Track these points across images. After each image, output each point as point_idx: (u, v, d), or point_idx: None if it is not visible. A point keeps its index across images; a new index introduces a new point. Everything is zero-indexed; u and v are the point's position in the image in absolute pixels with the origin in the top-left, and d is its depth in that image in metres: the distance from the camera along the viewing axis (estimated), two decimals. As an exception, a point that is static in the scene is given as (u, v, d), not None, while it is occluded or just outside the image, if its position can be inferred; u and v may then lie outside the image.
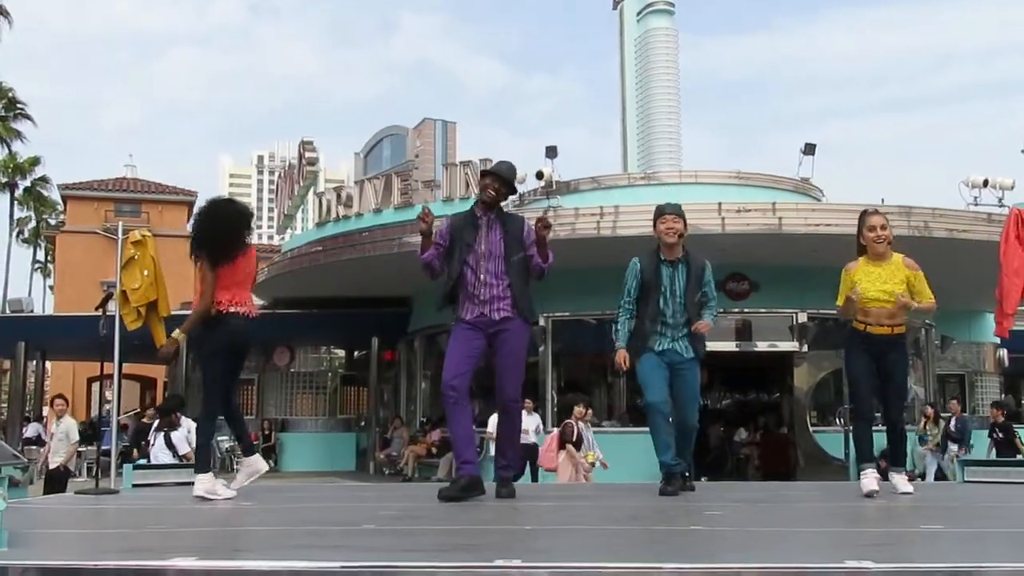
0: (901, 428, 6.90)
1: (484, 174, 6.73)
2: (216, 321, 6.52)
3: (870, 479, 6.54)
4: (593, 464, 12.63)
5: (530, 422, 16.49)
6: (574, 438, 12.65)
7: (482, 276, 6.40)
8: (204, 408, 6.80)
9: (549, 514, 5.78)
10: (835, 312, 6.96)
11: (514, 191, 6.94)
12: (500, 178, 6.65)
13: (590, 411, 13.70)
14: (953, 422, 18.45)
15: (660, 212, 6.93)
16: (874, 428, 6.84)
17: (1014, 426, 18.51)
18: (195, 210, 7.01)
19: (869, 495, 6.41)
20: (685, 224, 6.90)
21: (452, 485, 6.30)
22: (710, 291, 6.92)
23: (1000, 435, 17.63)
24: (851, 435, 6.87)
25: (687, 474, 7.00)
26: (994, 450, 17.33)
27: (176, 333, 6.60)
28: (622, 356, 6.79)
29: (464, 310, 6.43)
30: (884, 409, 6.88)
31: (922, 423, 19.08)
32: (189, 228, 7.03)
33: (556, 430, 14.13)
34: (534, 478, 15.88)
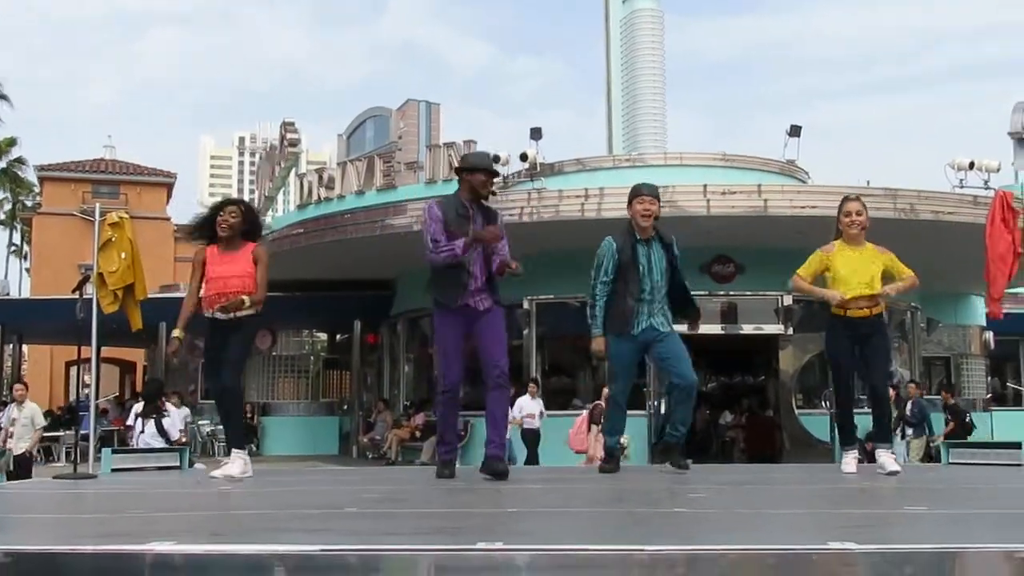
0: (886, 405, 7.05)
1: (478, 171, 6.69)
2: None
3: (851, 463, 6.71)
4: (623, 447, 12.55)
5: (534, 407, 16.48)
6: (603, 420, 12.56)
7: (470, 268, 6.53)
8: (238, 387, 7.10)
9: (534, 496, 5.80)
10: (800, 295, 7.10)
11: (493, 174, 7.01)
12: (493, 172, 6.82)
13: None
14: (909, 406, 17.65)
15: (636, 193, 6.99)
16: (857, 411, 6.95)
17: (962, 409, 18.37)
18: (242, 204, 7.11)
19: (849, 474, 6.57)
20: (659, 206, 6.98)
21: (446, 467, 6.65)
22: (678, 265, 7.02)
23: (950, 417, 17.56)
24: (838, 419, 7.02)
25: (682, 446, 7.10)
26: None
27: (179, 332, 6.86)
28: (601, 343, 6.86)
29: (449, 299, 6.55)
30: (869, 388, 6.97)
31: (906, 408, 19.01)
32: (240, 220, 6.98)
33: (585, 411, 14.05)
34: (534, 461, 15.91)
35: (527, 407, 16.40)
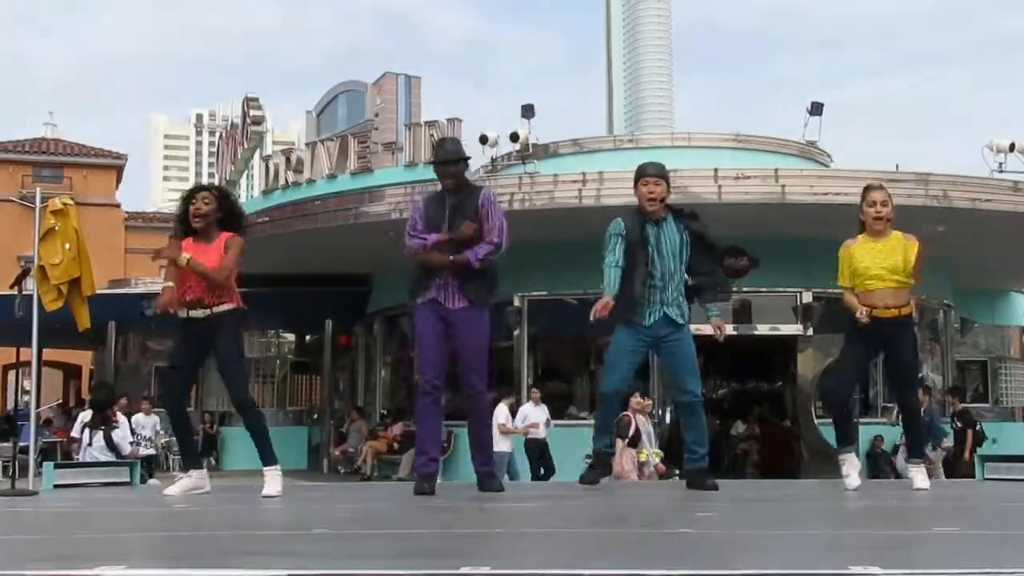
0: (918, 419, 7.09)
1: (437, 164, 7.08)
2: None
3: (852, 470, 6.85)
4: (645, 463, 12.46)
5: (538, 415, 16.42)
6: (630, 433, 12.44)
7: None
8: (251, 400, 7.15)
9: (523, 516, 5.82)
10: (839, 291, 7.09)
11: (466, 160, 7.23)
12: (448, 161, 6.99)
13: (649, 401, 13.33)
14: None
15: (641, 173, 7.04)
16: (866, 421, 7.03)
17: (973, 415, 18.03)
18: (215, 190, 7.11)
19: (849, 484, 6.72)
20: (668, 187, 7.04)
21: (425, 481, 6.68)
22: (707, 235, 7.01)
23: (959, 425, 17.30)
24: (835, 424, 7.19)
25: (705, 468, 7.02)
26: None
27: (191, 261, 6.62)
28: (605, 303, 6.80)
29: (423, 294, 6.81)
30: (899, 397, 7.07)
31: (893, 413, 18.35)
32: (215, 206, 6.95)
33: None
34: (542, 475, 15.84)
35: (531, 415, 16.34)
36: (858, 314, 6.66)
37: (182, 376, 7.11)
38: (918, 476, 6.90)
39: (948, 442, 17.30)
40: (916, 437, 7.20)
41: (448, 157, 7.02)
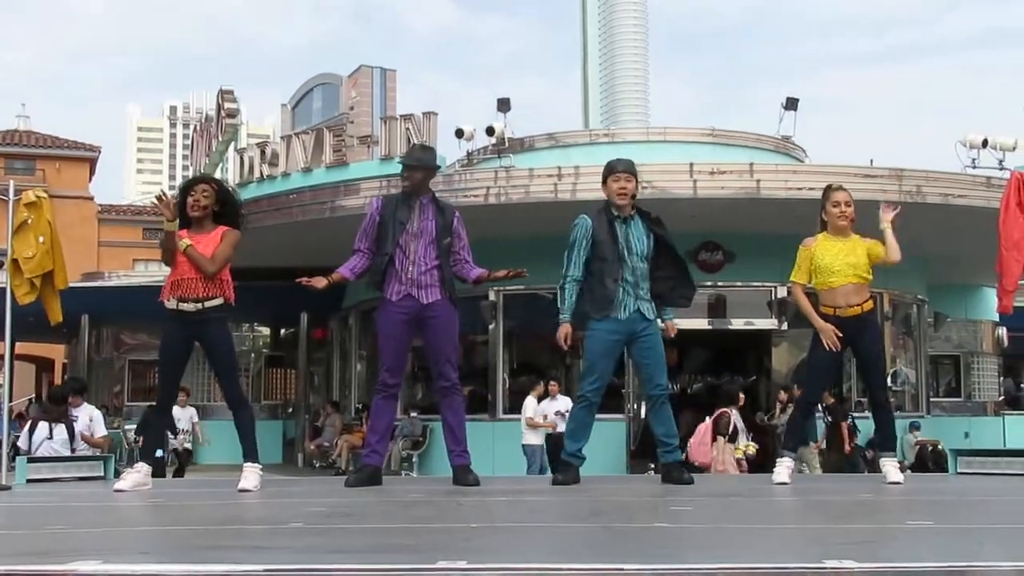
0: (889, 410, 7.19)
1: (407, 167, 7.16)
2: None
3: (784, 472, 6.97)
4: (742, 457, 12.49)
5: (557, 405, 15.92)
6: (729, 430, 12.39)
7: (411, 256, 6.88)
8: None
9: (501, 510, 5.83)
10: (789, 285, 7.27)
11: (434, 170, 7.37)
12: (415, 168, 7.08)
13: (743, 398, 13.50)
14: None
15: (610, 170, 7.11)
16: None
17: (851, 412, 17.71)
18: (215, 182, 7.18)
19: (781, 484, 6.83)
20: (637, 183, 7.12)
21: (357, 473, 7.15)
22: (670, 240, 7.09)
23: (830, 419, 17.04)
24: (789, 420, 7.36)
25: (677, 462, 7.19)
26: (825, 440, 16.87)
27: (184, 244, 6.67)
28: (566, 332, 6.96)
29: (392, 290, 6.92)
30: (869, 392, 7.16)
31: (776, 408, 17.87)
32: (213, 199, 7.03)
33: (709, 420, 13.85)
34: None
35: (560, 405, 15.74)
36: (826, 342, 6.84)
37: (177, 373, 7.12)
38: (892, 470, 6.99)
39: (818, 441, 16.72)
40: (888, 431, 7.28)
41: (410, 163, 7.13)
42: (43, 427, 11.10)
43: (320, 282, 6.93)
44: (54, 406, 11.63)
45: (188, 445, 17.60)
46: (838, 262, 6.88)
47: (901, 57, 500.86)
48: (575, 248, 6.99)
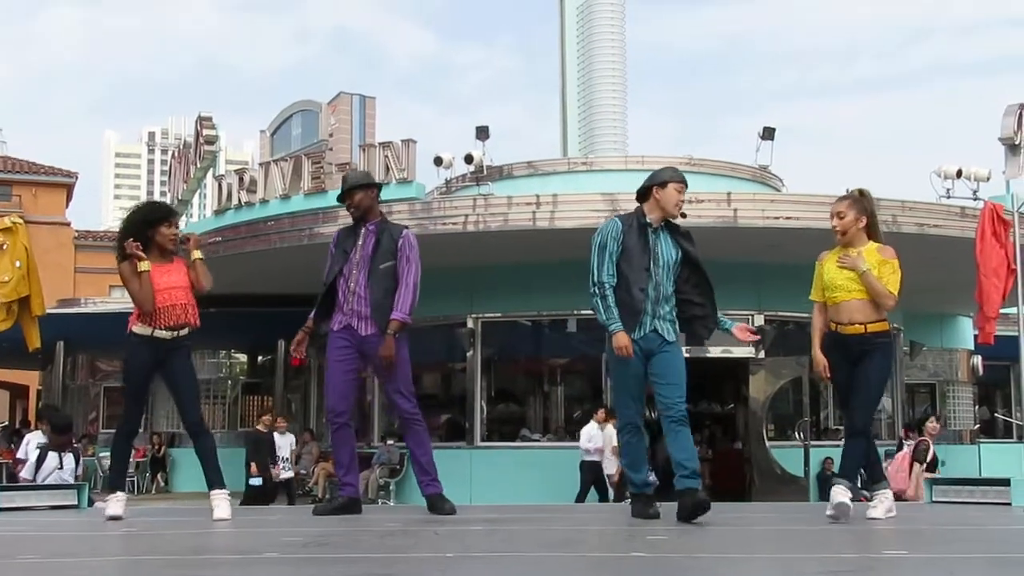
0: (857, 442, 6.67)
1: (341, 194, 7.22)
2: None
3: (842, 494, 6.38)
4: None
5: (602, 437, 15.84)
6: (928, 458, 12.27)
7: (351, 286, 6.91)
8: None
9: (476, 539, 5.80)
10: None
11: (376, 188, 7.30)
12: (352, 190, 7.11)
13: (938, 424, 13.40)
14: None
15: (671, 177, 6.64)
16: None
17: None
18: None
19: (838, 509, 6.33)
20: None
21: (329, 503, 7.26)
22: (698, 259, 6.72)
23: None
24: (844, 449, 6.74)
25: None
26: None
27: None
28: (625, 342, 6.31)
29: (335, 320, 6.98)
30: (845, 418, 6.88)
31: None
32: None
33: (907, 448, 13.67)
34: (601, 498, 15.46)
35: (596, 436, 15.89)
36: (820, 371, 6.65)
37: (146, 397, 7.14)
38: (839, 494, 6.58)
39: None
40: (847, 460, 6.88)
41: (345, 187, 7.14)
42: (52, 458, 11.03)
43: (303, 340, 7.12)
44: (58, 435, 11.48)
45: (291, 472, 16.97)
46: (840, 277, 6.61)
47: (874, 87, 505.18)
48: (606, 251, 6.47)
